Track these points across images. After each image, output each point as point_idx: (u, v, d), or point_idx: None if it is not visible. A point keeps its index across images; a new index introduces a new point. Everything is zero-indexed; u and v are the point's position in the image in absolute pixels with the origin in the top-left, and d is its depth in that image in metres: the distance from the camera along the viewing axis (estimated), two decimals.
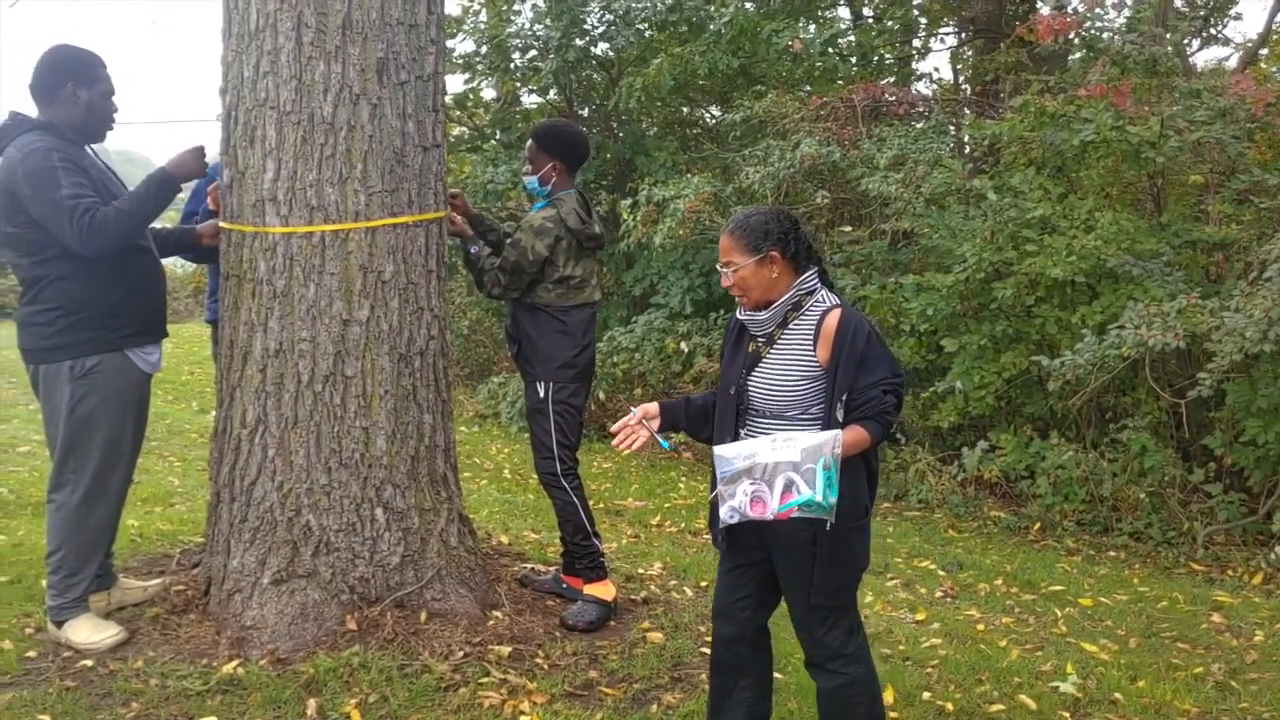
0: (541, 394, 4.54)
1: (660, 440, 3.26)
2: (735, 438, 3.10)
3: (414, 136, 4.11)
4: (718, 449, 2.97)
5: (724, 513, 2.92)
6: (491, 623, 4.19)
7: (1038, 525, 6.89)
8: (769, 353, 3.09)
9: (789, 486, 2.84)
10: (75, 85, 3.98)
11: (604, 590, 4.53)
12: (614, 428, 3.24)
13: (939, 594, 5.50)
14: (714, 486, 3.10)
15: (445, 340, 4.35)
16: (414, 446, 4.17)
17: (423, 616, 4.05)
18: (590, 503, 4.71)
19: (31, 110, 4.03)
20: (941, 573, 5.87)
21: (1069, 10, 8.97)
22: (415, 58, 4.10)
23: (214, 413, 4.36)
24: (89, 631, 3.94)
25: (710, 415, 3.30)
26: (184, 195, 4.59)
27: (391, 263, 4.05)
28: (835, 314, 3.02)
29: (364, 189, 3.98)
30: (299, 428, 3.99)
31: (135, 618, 4.14)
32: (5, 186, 3.85)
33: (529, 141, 4.68)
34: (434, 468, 4.26)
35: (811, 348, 3.02)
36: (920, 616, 5.05)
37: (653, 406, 3.25)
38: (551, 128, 4.79)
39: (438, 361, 4.28)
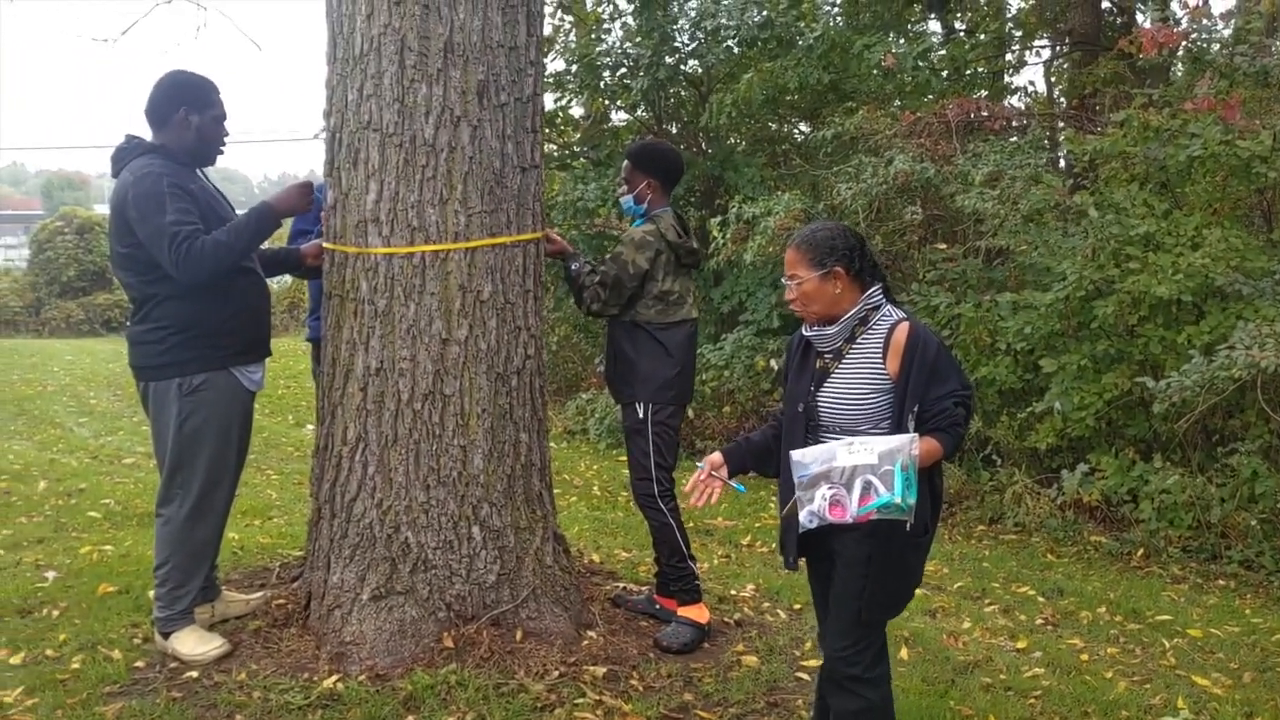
0: (640, 415, 4.54)
1: (735, 485, 3.24)
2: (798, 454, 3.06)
3: (513, 157, 4.14)
4: (794, 454, 2.95)
5: (803, 517, 2.90)
6: (586, 643, 4.18)
7: (1141, 551, 6.68)
8: (837, 368, 3.09)
9: (867, 489, 2.84)
10: (188, 110, 4.10)
11: (698, 613, 4.50)
12: (686, 488, 3.24)
13: (1039, 621, 5.36)
14: (782, 507, 3.11)
15: (541, 359, 4.37)
16: (510, 465, 4.19)
17: (518, 635, 4.07)
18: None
19: (148, 133, 4.16)
20: (1041, 599, 5.72)
21: (1173, 22, 8.72)
22: (515, 80, 4.14)
23: (310, 427, 4.44)
24: (195, 643, 4.03)
25: (772, 448, 3.28)
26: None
27: (490, 283, 4.08)
28: (904, 326, 3.03)
29: (464, 210, 4.02)
30: (398, 445, 4.04)
31: (238, 630, 4.23)
32: (117, 208, 3.98)
33: (624, 161, 4.73)
34: (530, 486, 4.27)
35: (881, 361, 3.02)
36: (1021, 644, 4.92)
37: (716, 456, 3.25)
38: (646, 146, 4.83)
39: (534, 380, 4.30)
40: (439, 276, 4.02)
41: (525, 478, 4.25)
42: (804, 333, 3.20)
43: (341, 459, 4.13)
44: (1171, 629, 5.25)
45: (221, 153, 4.29)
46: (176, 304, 4.01)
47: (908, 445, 2.83)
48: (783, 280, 3.17)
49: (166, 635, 4.09)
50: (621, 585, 4.99)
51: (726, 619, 4.78)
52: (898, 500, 2.80)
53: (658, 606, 4.64)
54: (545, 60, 12.58)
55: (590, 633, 4.27)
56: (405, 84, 3.97)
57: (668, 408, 4.55)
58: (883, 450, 2.83)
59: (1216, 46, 8.02)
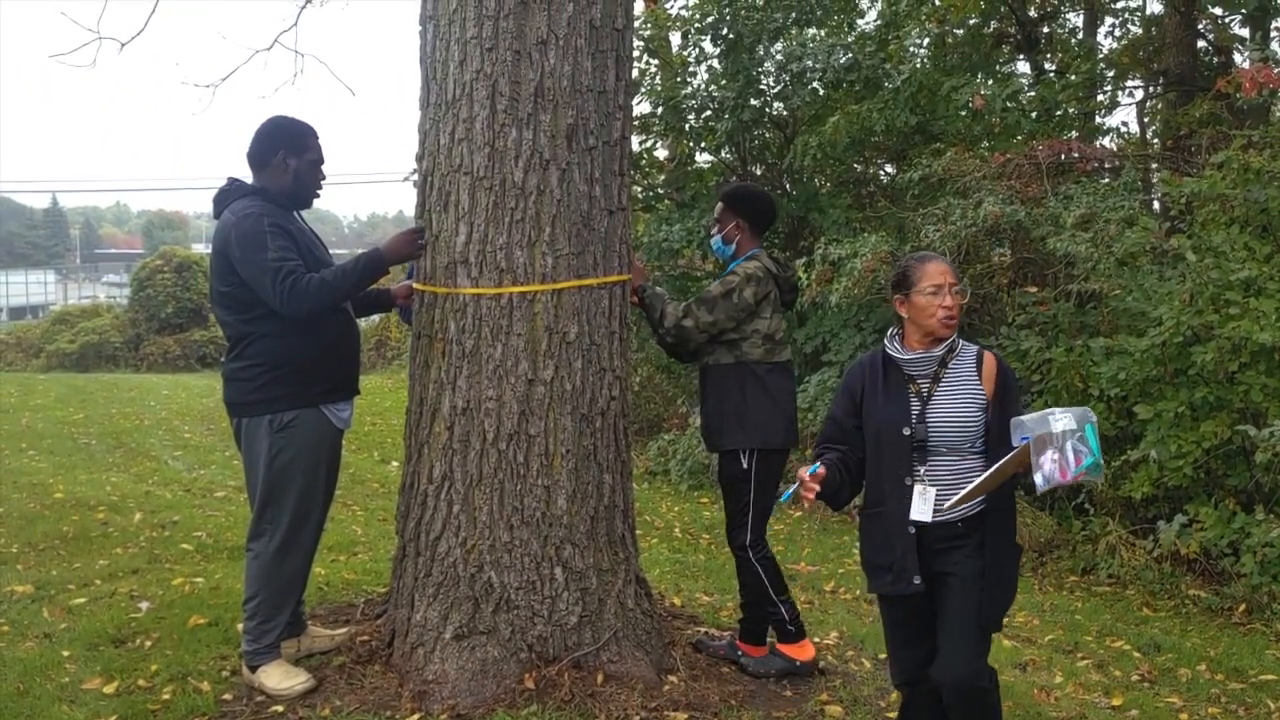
0: (745, 464, 4.45)
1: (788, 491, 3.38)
2: (912, 478, 3.26)
3: (600, 200, 4.17)
4: (1017, 419, 3.13)
5: (1039, 481, 3.03)
6: (667, 688, 4.14)
7: (1243, 607, 6.42)
8: (937, 390, 3.28)
9: (1077, 453, 3.04)
10: (286, 154, 4.21)
11: (798, 650, 4.47)
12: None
13: (1135, 677, 5.18)
14: (879, 544, 3.34)
15: (626, 401, 4.37)
16: (593, 506, 4.18)
17: (599, 678, 4.04)
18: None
19: (248, 176, 4.28)
20: (1137, 654, 5.53)
21: (1274, 62, 8.51)
22: (603, 123, 4.18)
23: (395, 464, 4.48)
24: (281, 678, 4.08)
25: (843, 480, 3.35)
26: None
27: (576, 324, 4.10)
28: (990, 354, 3.37)
29: (551, 252, 4.05)
30: (483, 485, 4.06)
31: (322, 665, 4.27)
32: (219, 249, 4.09)
33: (717, 204, 4.75)
34: (613, 528, 4.26)
35: (979, 383, 3.27)
36: (1116, 701, 4.75)
37: (821, 471, 3.28)
38: (740, 189, 4.85)
39: (618, 422, 4.30)
40: (526, 317, 4.05)
41: (608, 519, 4.24)
42: (896, 355, 3.36)
43: (427, 497, 4.17)
44: (1277, 690, 5.03)
45: (318, 196, 4.40)
46: (271, 342, 4.10)
47: (1087, 408, 3.10)
48: (942, 288, 3.30)
49: (253, 669, 4.14)
50: (703, 630, 4.94)
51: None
52: (1100, 460, 3.05)
53: (740, 653, 4.58)
54: (632, 103, 12.74)
55: (671, 677, 4.23)
56: (496, 128, 4.03)
57: (773, 455, 4.48)
58: (1076, 414, 3.05)
59: None
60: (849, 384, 3.44)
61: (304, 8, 7.01)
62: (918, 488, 3.24)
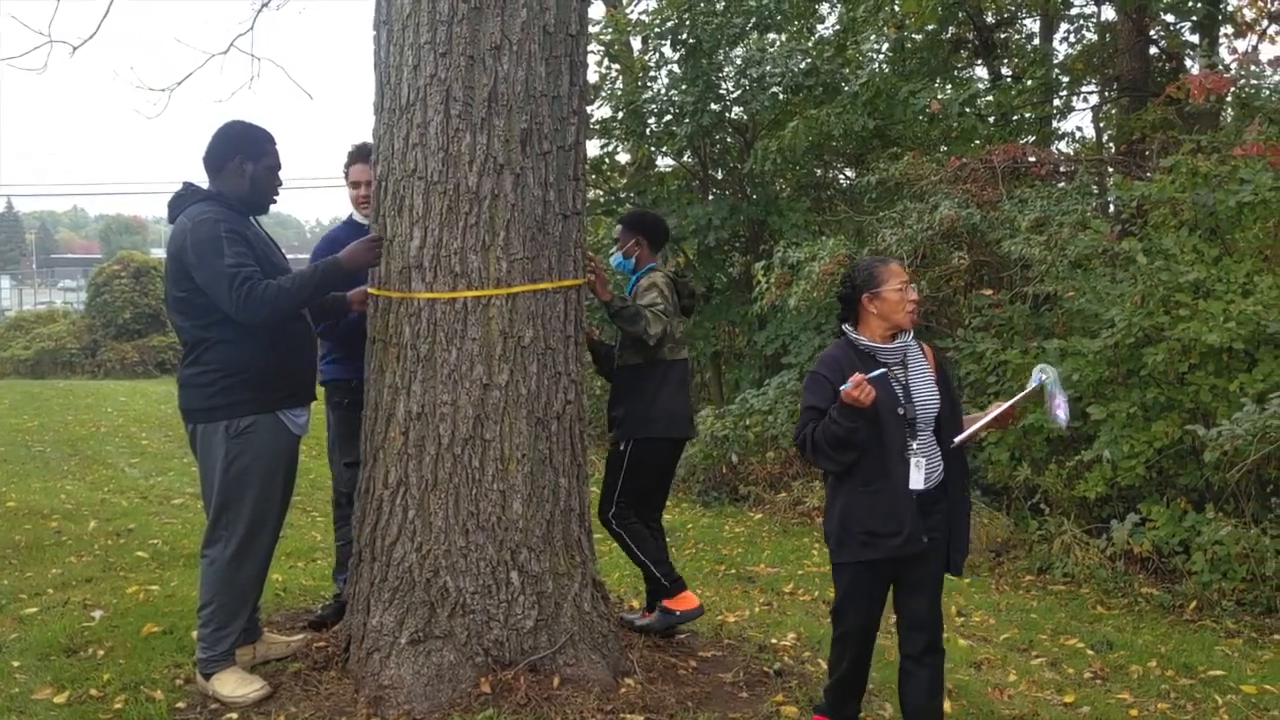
0: (622, 448, 4.87)
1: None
2: (907, 453, 3.63)
3: (555, 205, 4.18)
4: (1039, 367, 3.73)
5: (1061, 418, 3.66)
6: (624, 690, 4.15)
7: (1194, 604, 6.52)
8: (908, 376, 3.71)
9: (1068, 400, 3.71)
10: (243, 159, 4.19)
11: (678, 603, 4.86)
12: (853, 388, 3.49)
13: (1088, 675, 5.25)
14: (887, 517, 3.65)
15: (582, 405, 4.38)
16: (549, 510, 4.19)
17: (555, 682, 4.05)
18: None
19: (204, 180, 4.25)
20: (1090, 652, 5.60)
21: (1222, 68, 8.65)
22: (558, 128, 4.19)
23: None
24: (235, 685, 4.05)
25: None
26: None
27: (531, 328, 4.11)
28: (926, 343, 3.89)
29: (506, 256, 4.06)
30: (438, 490, 4.06)
31: (278, 672, 4.25)
32: (175, 254, 4.06)
33: (617, 226, 5.23)
34: (569, 532, 4.27)
35: (930, 368, 3.79)
36: (1069, 699, 4.82)
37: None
38: (634, 213, 5.41)
39: (574, 426, 4.31)
40: (480, 322, 4.06)
41: (564, 523, 4.25)
42: (878, 345, 3.71)
43: (383, 502, 4.16)
44: (1225, 685, 5.12)
45: (275, 201, 4.38)
46: (228, 348, 4.07)
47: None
48: (906, 287, 3.69)
49: (208, 676, 4.11)
50: (634, 616, 5.01)
51: (766, 668, 4.72)
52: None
53: (672, 613, 4.89)
54: (592, 107, 12.75)
55: (628, 680, 4.24)
56: (450, 133, 4.04)
57: (657, 444, 4.90)
58: (1053, 369, 3.70)
59: (1266, 93, 7.95)
60: (828, 375, 3.67)
61: (260, 10, 6.99)
62: (914, 460, 3.63)
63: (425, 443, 4.08)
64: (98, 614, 5.17)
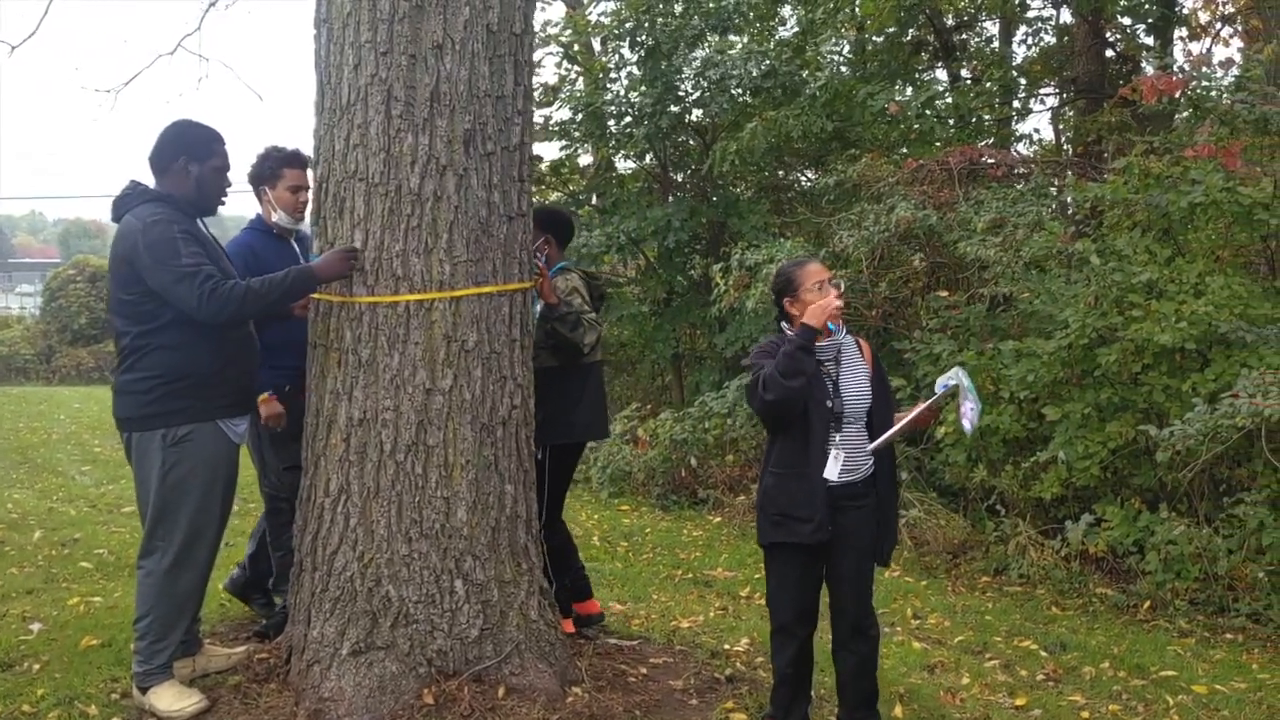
0: (540, 456, 4.71)
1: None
2: (828, 444, 3.74)
3: (499, 207, 4.12)
4: (952, 371, 3.82)
5: (966, 426, 3.77)
6: (570, 699, 4.09)
7: (1147, 604, 6.54)
8: (840, 371, 3.81)
9: (975, 403, 3.79)
10: (187, 160, 4.09)
11: (585, 607, 5.06)
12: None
13: (1041, 677, 5.24)
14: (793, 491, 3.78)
15: (528, 409, 4.32)
16: (495, 517, 4.13)
17: (500, 692, 3.98)
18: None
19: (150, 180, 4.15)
20: (1044, 654, 5.60)
21: (1175, 70, 8.71)
22: (502, 129, 4.12)
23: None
24: (172, 699, 3.96)
25: None
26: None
27: (475, 332, 4.05)
28: (863, 340, 4.00)
29: (449, 259, 3.99)
30: (380, 497, 3.99)
31: (217, 685, 4.16)
32: (125, 256, 3.94)
33: None
34: (515, 539, 4.21)
35: (865, 364, 3.88)
36: (1020, 701, 4.81)
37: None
38: (542, 209, 5.24)
39: (520, 431, 4.24)
40: (423, 326, 3.98)
41: (510, 530, 4.18)
42: (816, 340, 3.72)
43: (324, 510, 4.08)
44: (1176, 685, 5.12)
45: (223, 203, 4.28)
46: (168, 354, 3.97)
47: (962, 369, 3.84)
48: (835, 283, 3.80)
49: (145, 690, 4.02)
50: (614, 640, 4.91)
51: (718, 674, 4.68)
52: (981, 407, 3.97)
53: (592, 616, 5.07)
54: (552, 109, 12.69)
55: (575, 689, 4.18)
56: (391, 134, 3.97)
57: (570, 449, 5.00)
58: (966, 372, 3.80)
59: (1217, 94, 8.00)
60: (769, 351, 3.81)
61: (207, 10, 6.87)
62: (833, 452, 3.74)
63: (367, 449, 4.01)
64: (36, 626, 5.04)
